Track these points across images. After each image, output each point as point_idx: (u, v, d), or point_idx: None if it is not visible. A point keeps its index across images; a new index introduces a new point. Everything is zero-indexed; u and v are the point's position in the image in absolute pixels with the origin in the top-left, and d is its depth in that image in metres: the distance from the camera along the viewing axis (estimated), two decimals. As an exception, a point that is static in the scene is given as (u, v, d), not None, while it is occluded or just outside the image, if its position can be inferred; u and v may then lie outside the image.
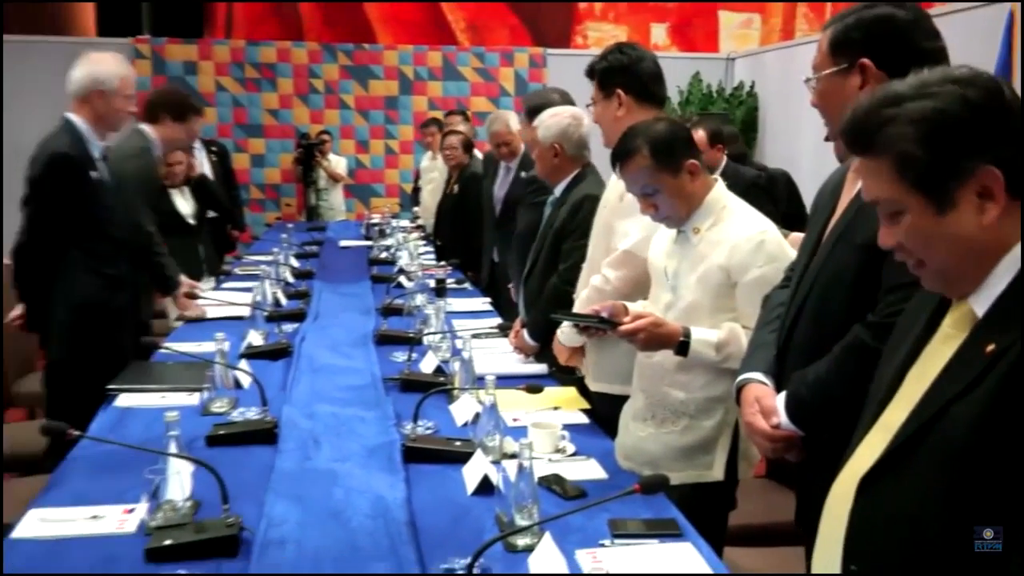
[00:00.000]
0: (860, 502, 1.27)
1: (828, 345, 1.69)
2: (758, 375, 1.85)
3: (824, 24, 1.85)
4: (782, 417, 1.71)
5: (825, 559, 1.36)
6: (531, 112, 3.80)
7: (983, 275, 1.19)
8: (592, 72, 2.82)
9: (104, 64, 3.37)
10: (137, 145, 3.84)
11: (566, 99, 3.86)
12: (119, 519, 1.95)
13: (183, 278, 3.86)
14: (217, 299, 4.02)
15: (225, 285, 4.98)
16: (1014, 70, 4.78)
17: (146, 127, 3.98)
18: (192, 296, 3.82)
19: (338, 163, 9.19)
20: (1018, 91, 1.21)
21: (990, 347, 1.13)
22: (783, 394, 1.76)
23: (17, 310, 3.45)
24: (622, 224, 2.67)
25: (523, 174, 4.90)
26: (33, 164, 3.21)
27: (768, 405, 1.75)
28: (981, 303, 1.20)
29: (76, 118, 3.32)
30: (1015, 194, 1.16)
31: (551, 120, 3.33)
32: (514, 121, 5.08)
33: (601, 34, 11.86)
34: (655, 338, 2.20)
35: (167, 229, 4.81)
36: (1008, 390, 1.08)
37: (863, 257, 1.64)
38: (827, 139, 1.85)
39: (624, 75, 2.74)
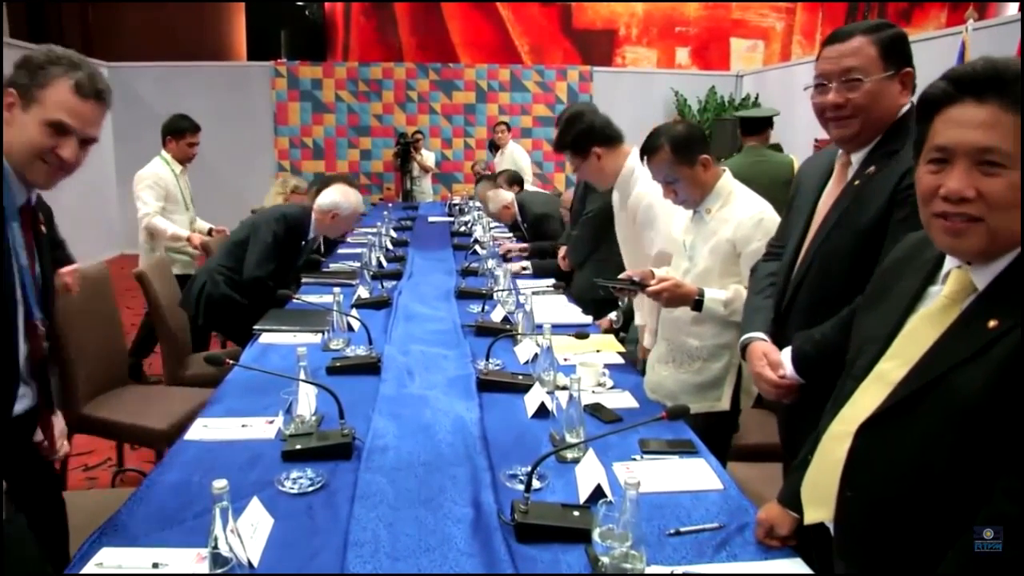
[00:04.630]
0: (860, 442, 1.15)
1: (825, 311, 1.57)
2: (760, 334, 1.78)
3: (842, 31, 1.60)
4: (788, 369, 1.64)
5: (818, 487, 1.26)
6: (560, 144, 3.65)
7: (1012, 247, 1.03)
8: (563, 146, 2.79)
9: (348, 199, 3.62)
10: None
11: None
12: (262, 428, 1.99)
13: None
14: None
15: (340, 251, 5.00)
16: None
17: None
18: None
19: (428, 156, 9.20)
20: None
21: (992, 322, 1.02)
22: (788, 349, 1.67)
23: None
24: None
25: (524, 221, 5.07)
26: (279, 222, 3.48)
27: (775, 360, 1.67)
28: (981, 277, 1.07)
29: (315, 217, 3.60)
30: None
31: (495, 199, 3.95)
32: (500, 199, 5.09)
33: (636, 55, 11.71)
34: (676, 297, 2.16)
35: None
36: (1015, 367, 0.97)
37: (860, 241, 1.54)
38: (844, 140, 1.63)
39: (591, 136, 2.70)
